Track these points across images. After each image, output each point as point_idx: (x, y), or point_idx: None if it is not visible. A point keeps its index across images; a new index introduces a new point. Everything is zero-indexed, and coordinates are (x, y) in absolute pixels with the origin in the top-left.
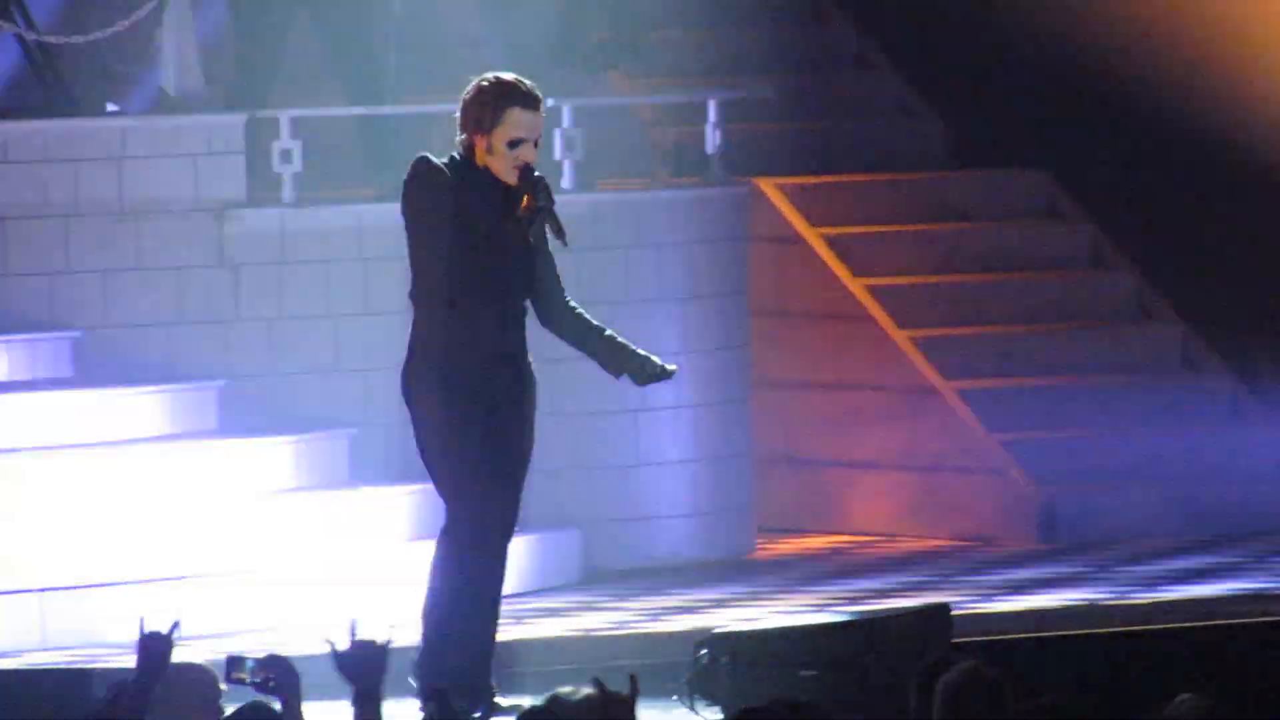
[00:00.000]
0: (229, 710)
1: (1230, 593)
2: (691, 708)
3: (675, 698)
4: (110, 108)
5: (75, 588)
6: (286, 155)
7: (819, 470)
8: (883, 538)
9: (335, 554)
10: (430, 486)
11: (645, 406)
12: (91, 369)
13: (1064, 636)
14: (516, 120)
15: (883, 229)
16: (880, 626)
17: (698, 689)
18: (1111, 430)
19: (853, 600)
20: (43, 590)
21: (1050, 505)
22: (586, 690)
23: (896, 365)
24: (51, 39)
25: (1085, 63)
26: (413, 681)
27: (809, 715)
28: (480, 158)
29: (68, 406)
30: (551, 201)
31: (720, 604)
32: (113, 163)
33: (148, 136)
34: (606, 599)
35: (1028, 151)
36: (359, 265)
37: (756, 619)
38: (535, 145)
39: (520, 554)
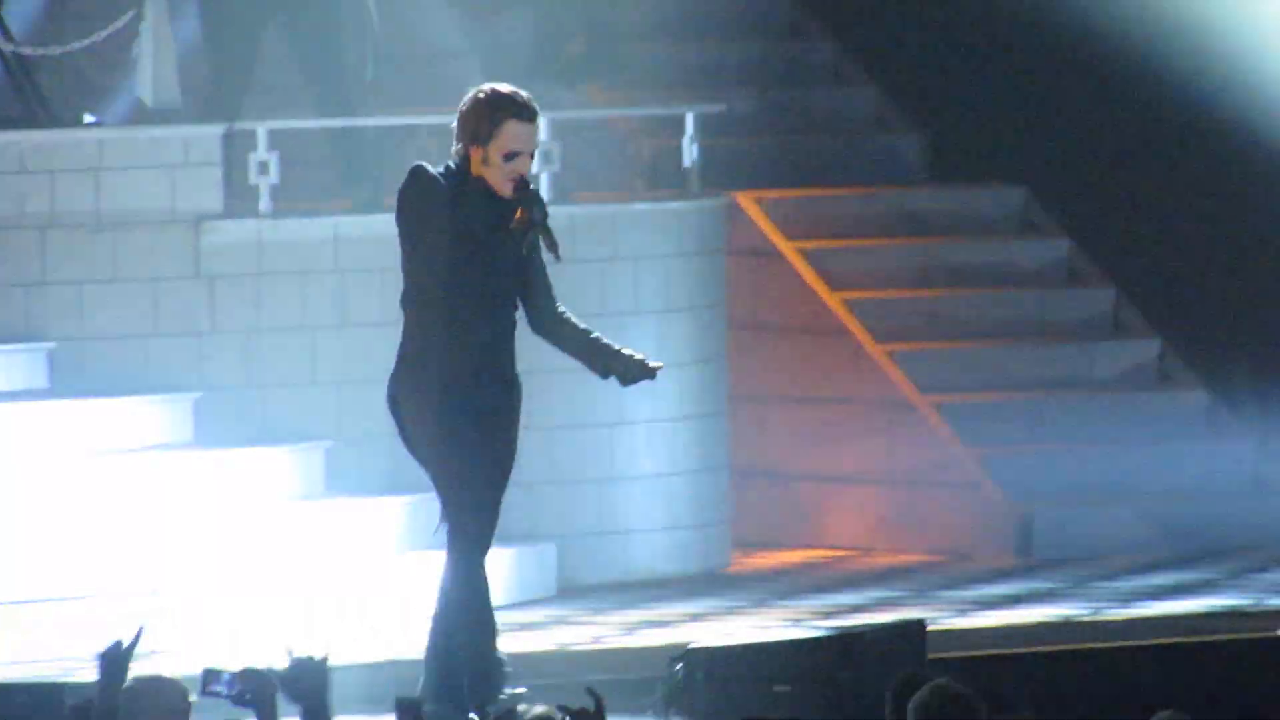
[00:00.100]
0: None
1: (1206, 609)
2: None
3: (650, 713)
4: (87, 119)
5: (49, 600)
6: (263, 167)
7: (795, 484)
8: (859, 552)
9: (311, 566)
10: (407, 499)
11: (621, 420)
12: (67, 380)
13: (1039, 652)
14: (513, 132)
15: (859, 243)
16: (855, 642)
17: (673, 704)
18: (1087, 445)
19: (828, 615)
20: (16, 602)
21: (1026, 520)
22: (540, 710)
23: (873, 379)
24: (29, 50)
25: (1061, 77)
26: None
27: None
28: (475, 169)
29: (43, 417)
30: (545, 215)
31: (696, 618)
32: (89, 174)
33: (125, 148)
34: (582, 613)
35: (1004, 166)
36: (335, 277)
37: (732, 634)
38: (530, 158)
39: (495, 567)
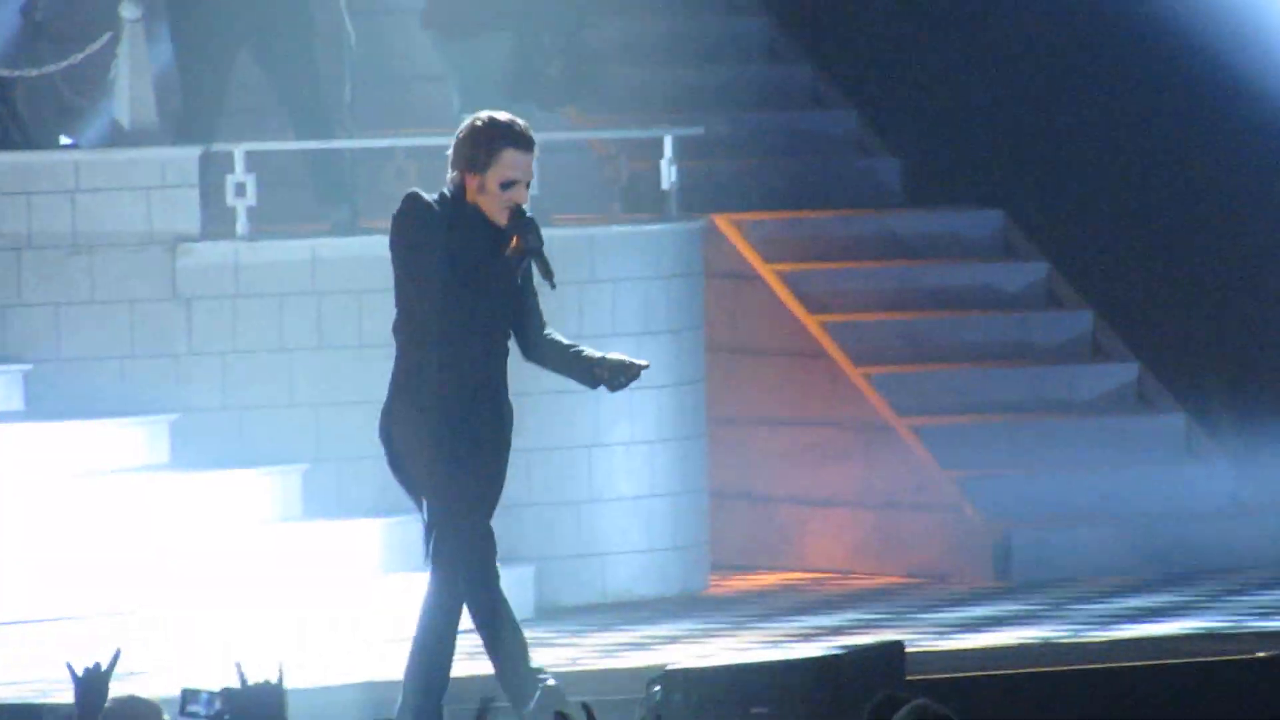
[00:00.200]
0: None
1: (1184, 631)
2: None
3: None
4: (64, 141)
5: (26, 621)
6: (240, 189)
7: (773, 507)
8: (837, 574)
9: (289, 588)
10: (384, 521)
11: (599, 442)
12: (43, 402)
13: (1018, 674)
14: (511, 161)
15: (838, 265)
16: (834, 664)
17: None
18: (1066, 468)
19: (806, 637)
20: None
21: (1005, 543)
22: None
23: (851, 402)
24: (5, 72)
25: (1040, 101)
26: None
27: None
28: (471, 196)
29: (19, 440)
30: (541, 243)
31: (673, 640)
32: (66, 195)
33: (101, 169)
34: (560, 635)
35: (983, 189)
36: (312, 299)
37: (710, 656)
38: (527, 186)
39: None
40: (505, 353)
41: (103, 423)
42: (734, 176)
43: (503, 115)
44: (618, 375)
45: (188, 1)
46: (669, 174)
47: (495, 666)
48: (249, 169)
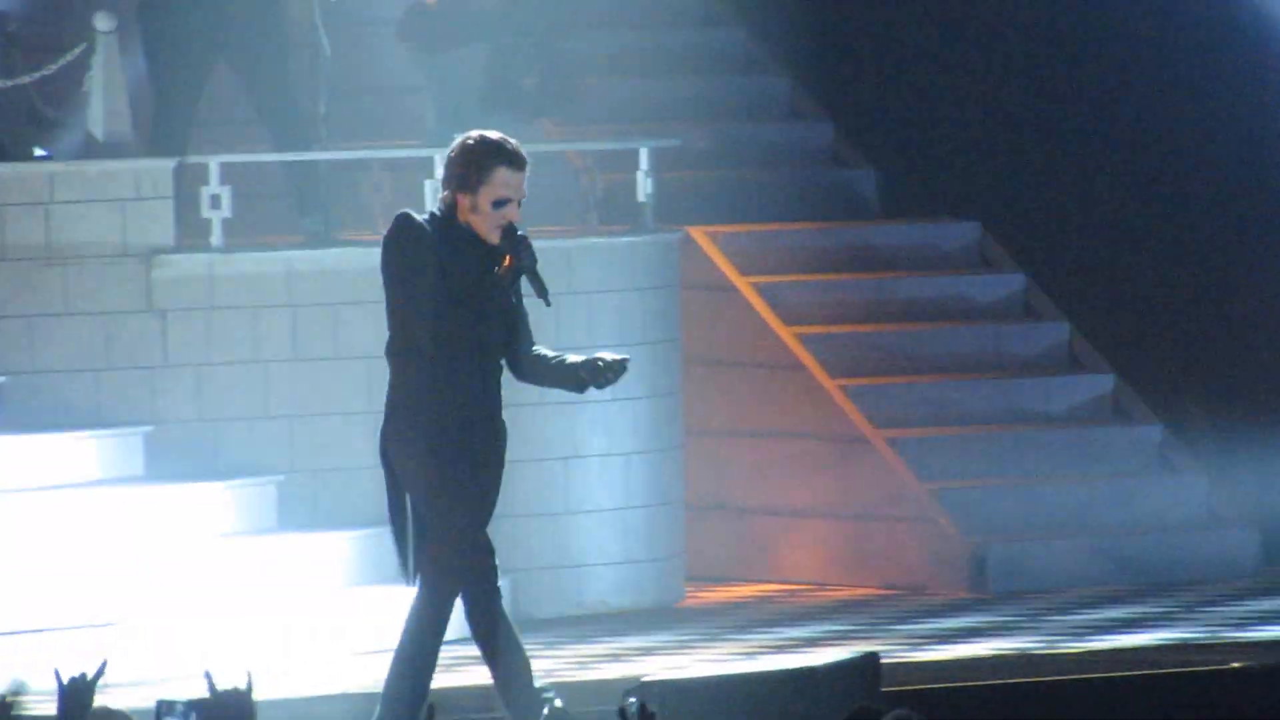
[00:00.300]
0: None
1: (1160, 642)
2: None
3: None
4: (38, 152)
5: (0, 634)
6: (215, 201)
7: (749, 518)
8: (812, 586)
9: (263, 600)
10: (359, 533)
11: (575, 454)
12: (17, 414)
13: (994, 686)
14: (503, 180)
15: (814, 277)
16: (809, 675)
17: None
18: (1042, 479)
19: (782, 649)
20: None
21: (980, 554)
22: None
23: (827, 414)
24: None
25: (1016, 113)
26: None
27: None
28: (463, 215)
29: None
30: (535, 260)
31: (649, 652)
32: (40, 208)
33: (76, 181)
34: (535, 646)
35: (959, 200)
36: (288, 311)
37: (685, 667)
38: (519, 205)
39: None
40: (500, 371)
41: (77, 435)
42: (710, 188)
43: (493, 134)
44: (603, 374)
45: (161, 13)
46: (645, 186)
47: (498, 687)
48: (224, 181)
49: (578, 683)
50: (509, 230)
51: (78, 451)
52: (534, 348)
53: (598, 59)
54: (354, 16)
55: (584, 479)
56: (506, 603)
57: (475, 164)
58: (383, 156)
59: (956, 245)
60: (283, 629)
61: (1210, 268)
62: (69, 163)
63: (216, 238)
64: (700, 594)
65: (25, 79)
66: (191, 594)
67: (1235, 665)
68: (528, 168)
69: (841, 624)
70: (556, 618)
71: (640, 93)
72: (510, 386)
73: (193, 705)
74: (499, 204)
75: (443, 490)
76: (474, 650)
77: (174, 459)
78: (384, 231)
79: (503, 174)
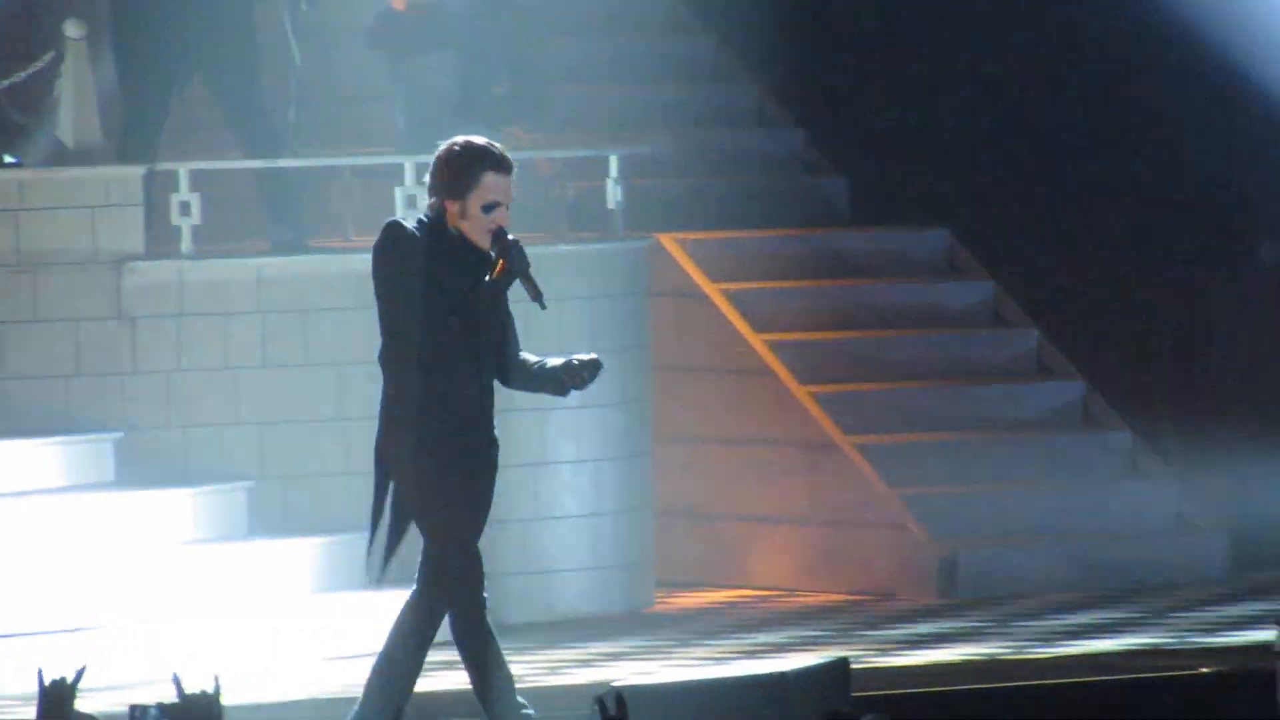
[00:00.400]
0: None
1: (1130, 647)
2: None
3: None
4: (8, 159)
5: None
6: (185, 208)
7: (718, 524)
8: (782, 592)
9: (233, 606)
10: (328, 539)
11: (545, 460)
12: None
13: (963, 691)
14: (491, 184)
15: (783, 284)
16: (779, 682)
17: None
18: (1011, 486)
19: (751, 655)
20: None
21: (950, 560)
22: None
23: (796, 420)
24: None
25: (986, 120)
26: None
27: None
28: (452, 221)
29: None
30: (528, 264)
31: (618, 658)
32: (10, 214)
33: (46, 188)
34: (506, 652)
35: (928, 208)
36: (257, 318)
37: (655, 673)
38: (507, 209)
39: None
40: (494, 377)
41: (47, 441)
42: (680, 195)
43: (478, 139)
44: (578, 375)
45: (134, 21)
46: (615, 193)
47: (481, 698)
48: (194, 188)
49: (547, 688)
50: (499, 234)
51: (48, 458)
52: (520, 354)
53: (568, 67)
54: (324, 24)
55: (554, 485)
56: None
57: (463, 169)
58: (353, 164)
59: (926, 253)
60: (252, 634)
61: (1179, 274)
62: (39, 169)
63: (186, 245)
64: (670, 600)
65: None
66: (161, 600)
67: (1204, 671)
68: (514, 171)
69: (811, 629)
70: (526, 623)
71: (610, 100)
72: None
73: (164, 710)
74: (488, 208)
75: (437, 501)
76: (435, 655)
77: (144, 465)
78: (354, 238)
79: (490, 178)
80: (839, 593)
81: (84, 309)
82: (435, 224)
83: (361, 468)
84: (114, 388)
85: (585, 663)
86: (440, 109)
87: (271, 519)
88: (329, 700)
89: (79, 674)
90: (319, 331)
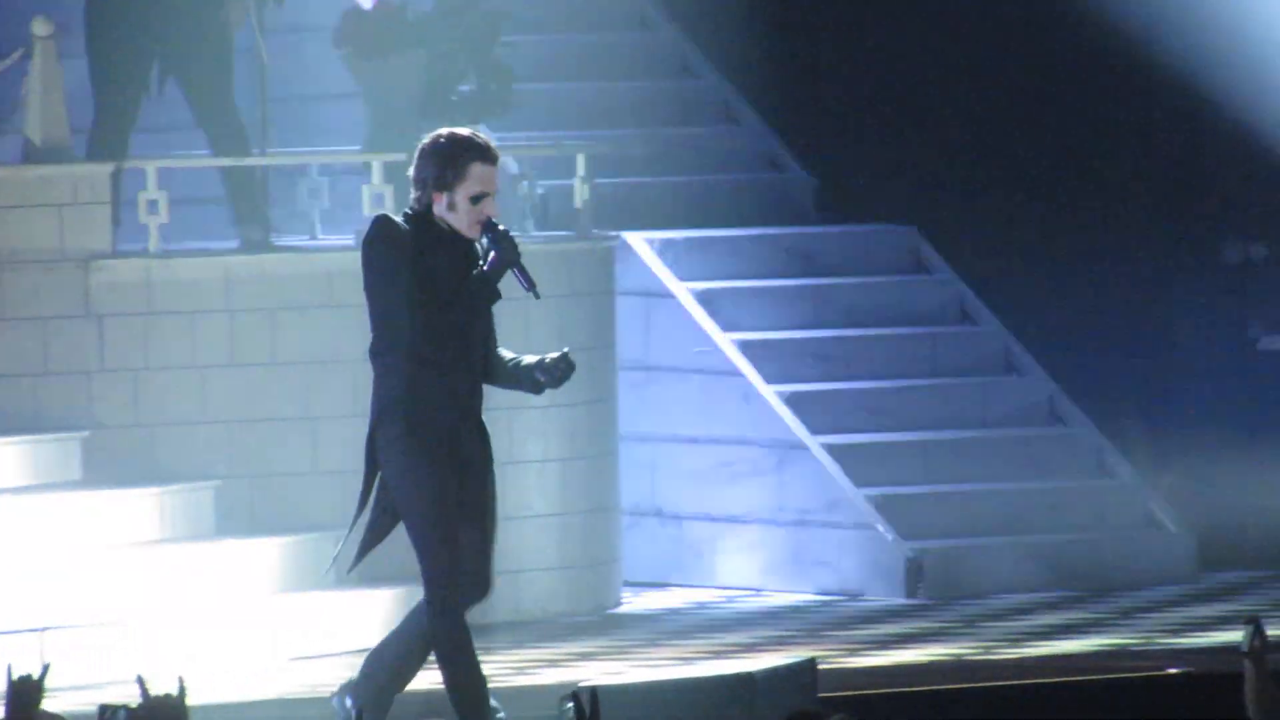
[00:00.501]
0: None
1: (1096, 647)
2: None
3: None
4: None
5: None
6: (153, 206)
7: (686, 524)
8: (749, 592)
9: (200, 605)
10: (296, 538)
11: (512, 460)
12: None
13: (930, 692)
14: (478, 175)
15: (750, 283)
16: (746, 682)
17: None
18: (978, 485)
19: (719, 654)
20: None
21: (917, 560)
22: None
23: (763, 420)
24: None
25: (952, 118)
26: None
27: None
28: (439, 213)
29: None
30: (519, 254)
31: (585, 658)
32: None
33: (13, 187)
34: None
35: (895, 205)
36: (225, 316)
37: (622, 673)
38: (493, 199)
39: (385, 606)
40: (482, 370)
41: (14, 439)
42: (647, 194)
43: (462, 130)
44: (549, 372)
45: (106, 19)
46: (582, 192)
47: (454, 700)
48: (161, 186)
49: (515, 688)
50: (489, 225)
51: (15, 456)
52: (498, 350)
53: (534, 64)
54: (291, 23)
55: (520, 485)
56: None
57: (450, 161)
58: (320, 162)
59: (892, 250)
60: (219, 634)
61: (1146, 274)
62: (6, 167)
63: (154, 243)
64: (637, 599)
65: None
66: (128, 599)
67: (1171, 671)
68: (499, 162)
69: (779, 629)
70: (494, 623)
71: (577, 98)
72: None
73: (132, 714)
74: (476, 199)
75: (424, 496)
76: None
77: (111, 464)
78: (321, 237)
79: (478, 169)
80: (806, 593)
81: (51, 307)
82: (422, 216)
83: (330, 467)
84: (81, 386)
85: (553, 662)
86: (407, 107)
87: (239, 518)
88: (295, 700)
89: (44, 671)
90: (287, 330)
